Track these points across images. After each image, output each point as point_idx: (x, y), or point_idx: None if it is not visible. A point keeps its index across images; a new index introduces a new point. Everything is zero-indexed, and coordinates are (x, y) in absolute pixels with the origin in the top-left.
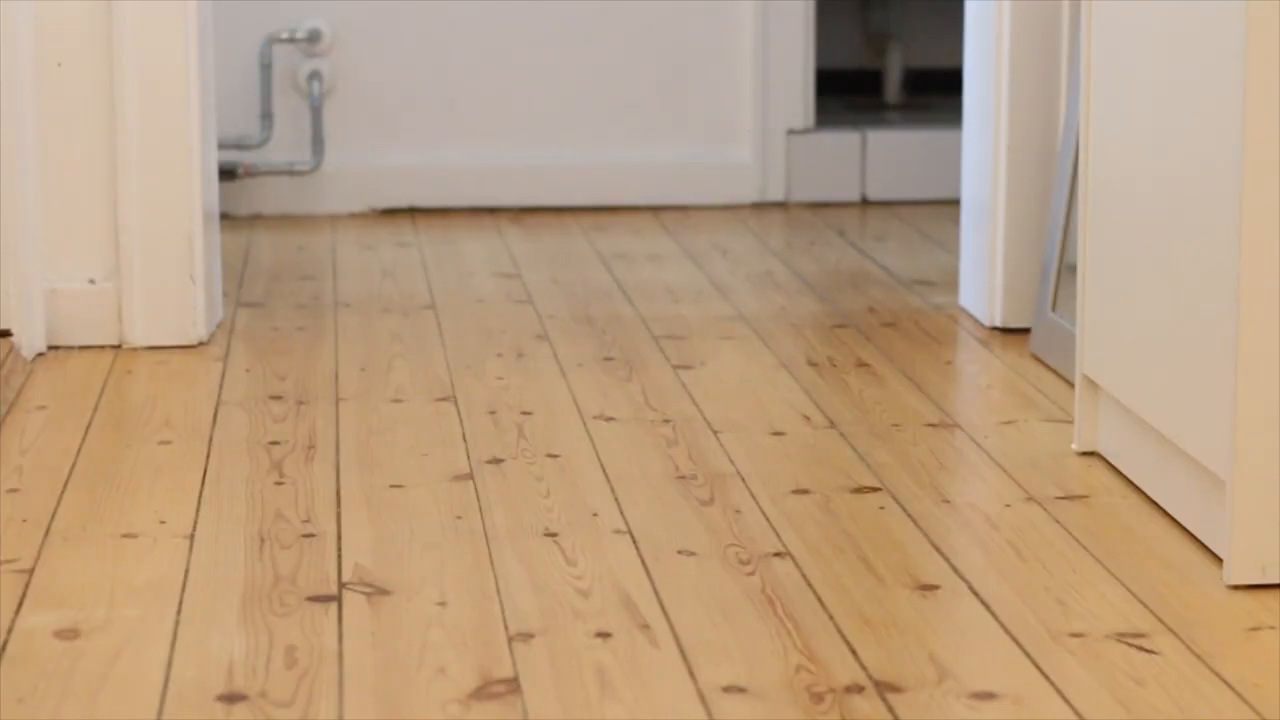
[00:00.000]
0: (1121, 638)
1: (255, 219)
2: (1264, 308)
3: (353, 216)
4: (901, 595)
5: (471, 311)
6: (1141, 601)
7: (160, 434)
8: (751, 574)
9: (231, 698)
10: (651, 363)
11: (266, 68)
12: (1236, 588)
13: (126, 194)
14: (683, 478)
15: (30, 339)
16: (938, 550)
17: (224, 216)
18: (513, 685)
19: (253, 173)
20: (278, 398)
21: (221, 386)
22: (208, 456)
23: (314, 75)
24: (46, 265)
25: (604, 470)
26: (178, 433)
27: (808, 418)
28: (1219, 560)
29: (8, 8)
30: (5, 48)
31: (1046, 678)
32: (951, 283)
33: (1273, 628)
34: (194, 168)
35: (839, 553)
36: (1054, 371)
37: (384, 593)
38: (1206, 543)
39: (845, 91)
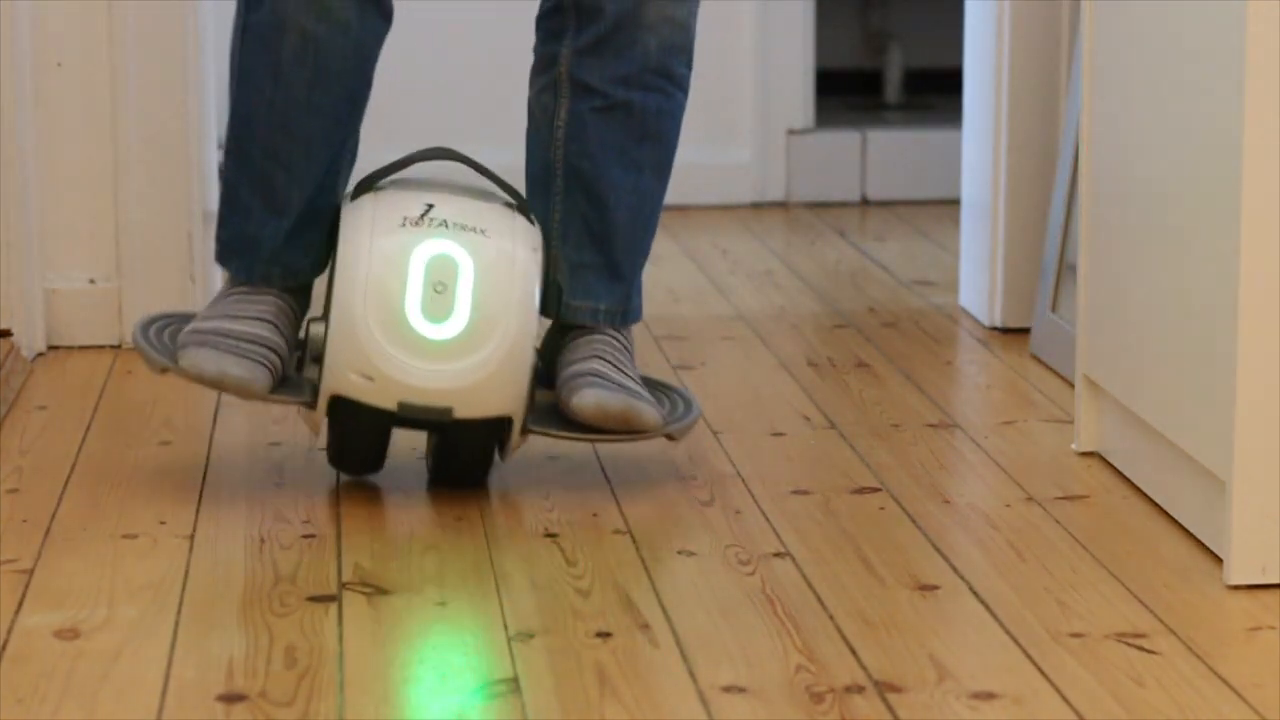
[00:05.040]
0: (1121, 638)
1: None
2: (1264, 308)
3: None
4: (901, 595)
5: None
6: (1141, 601)
7: (160, 434)
8: (751, 574)
9: (231, 698)
10: (651, 363)
11: None
12: (1236, 588)
13: (126, 194)
14: (683, 478)
15: (30, 339)
16: (938, 550)
17: None
18: (513, 685)
19: None
20: None
21: None
22: (208, 457)
23: None
24: (46, 265)
25: (604, 470)
26: (178, 433)
27: (808, 418)
28: (1219, 560)
29: (8, 8)
30: (5, 48)
31: (1046, 678)
32: (951, 283)
33: (1273, 628)
34: (194, 168)
35: (839, 553)
36: (1054, 371)
37: (384, 593)
38: (1206, 543)
39: (845, 91)
